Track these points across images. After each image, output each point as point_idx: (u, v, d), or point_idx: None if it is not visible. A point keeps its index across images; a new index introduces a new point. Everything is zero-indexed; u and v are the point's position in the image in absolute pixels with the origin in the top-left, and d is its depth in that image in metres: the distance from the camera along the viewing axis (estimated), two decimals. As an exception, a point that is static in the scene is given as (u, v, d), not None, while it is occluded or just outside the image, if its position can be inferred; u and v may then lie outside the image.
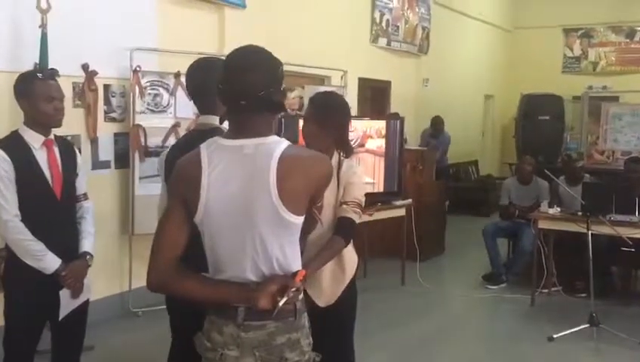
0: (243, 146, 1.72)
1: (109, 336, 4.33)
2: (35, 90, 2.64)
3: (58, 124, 2.76)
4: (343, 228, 2.60)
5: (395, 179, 5.72)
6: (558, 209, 5.46)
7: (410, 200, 5.91)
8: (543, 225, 5.41)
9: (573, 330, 4.64)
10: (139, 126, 4.74)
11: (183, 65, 4.91)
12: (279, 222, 1.69)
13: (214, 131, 2.08)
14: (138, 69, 4.70)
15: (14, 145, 2.63)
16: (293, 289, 1.70)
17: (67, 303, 2.72)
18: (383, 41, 8.33)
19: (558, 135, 9.79)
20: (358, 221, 2.65)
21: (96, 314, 4.37)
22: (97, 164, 4.65)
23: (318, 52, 6.58)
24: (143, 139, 4.76)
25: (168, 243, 1.75)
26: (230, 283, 1.75)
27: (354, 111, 7.49)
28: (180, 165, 1.80)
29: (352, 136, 5.45)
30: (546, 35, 12.62)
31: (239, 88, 1.70)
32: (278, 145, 1.71)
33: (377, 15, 8.14)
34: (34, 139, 2.67)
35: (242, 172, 1.70)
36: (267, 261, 1.72)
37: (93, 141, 4.61)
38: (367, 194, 5.34)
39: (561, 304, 5.50)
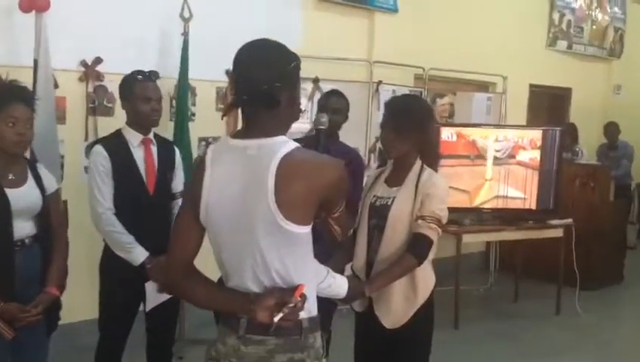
0: (247, 147, 1.61)
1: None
2: (134, 91, 2.79)
3: (155, 124, 2.89)
4: (416, 246, 2.35)
5: (552, 196, 5.13)
6: None
7: (569, 219, 5.26)
8: None
9: None
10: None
11: (322, 70, 4.99)
12: (277, 230, 1.55)
13: None
14: (277, 73, 4.79)
15: (114, 142, 2.81)
16: (291, 304, 1.56)
17: (154, 296, 2.82)
18: (562, 44, 7.59)
19: None
20: (435, 238, 2.38)
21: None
22: (237, 165, 4.83)
23: (477, 57, 6.12)
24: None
25: (178, 244, 1.70)
26: (234, 292, 1.65)
27: (522, 120, 6.93)
28: (194, 165, 1.75)
29: (500, 146, 5.08)
30: None
31: (242, 82, 1.60)
32: (282, 146, 1.57)
33: (556, 16, 7.43)
34: (133, 137, 2.82)
35: (243, 174, 1.59)
36: (266, 271, 1.60)
37: (234, 143, 4.80)
38: (516, 210, 5.03)
39: None
